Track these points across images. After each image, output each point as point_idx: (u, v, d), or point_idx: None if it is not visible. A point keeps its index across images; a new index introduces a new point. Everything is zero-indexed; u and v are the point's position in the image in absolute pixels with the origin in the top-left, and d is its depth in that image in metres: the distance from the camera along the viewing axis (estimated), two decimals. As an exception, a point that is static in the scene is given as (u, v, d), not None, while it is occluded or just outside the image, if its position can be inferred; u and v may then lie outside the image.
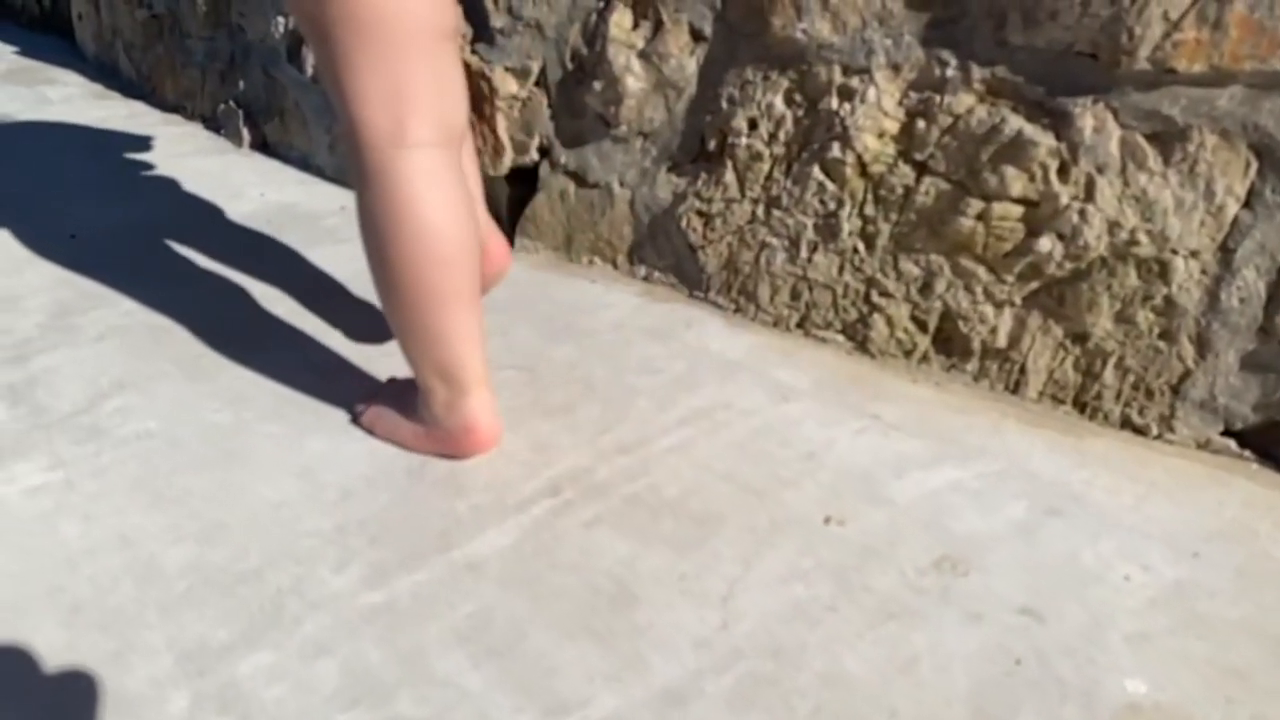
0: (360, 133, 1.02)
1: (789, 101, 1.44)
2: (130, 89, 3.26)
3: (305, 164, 2.37)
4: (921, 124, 1.31)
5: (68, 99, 3.11)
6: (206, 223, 1.99)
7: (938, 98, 1.29)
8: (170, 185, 2.22)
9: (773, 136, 1.46)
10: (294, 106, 2.39)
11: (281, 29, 2.33)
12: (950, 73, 1.28)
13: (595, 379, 1.37)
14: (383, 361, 1.41)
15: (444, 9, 1.05)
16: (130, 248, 1.85)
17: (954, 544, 1.03)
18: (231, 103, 2.59)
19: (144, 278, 1.70)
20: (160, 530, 1.07)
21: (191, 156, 2.49)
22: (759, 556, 1.01)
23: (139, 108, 3.04)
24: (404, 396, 1.21)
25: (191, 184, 2.24)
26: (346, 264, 1.76)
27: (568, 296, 1.64)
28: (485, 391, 1.14)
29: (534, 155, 1.80)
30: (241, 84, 2.57)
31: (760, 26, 1.44)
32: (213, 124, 2.72)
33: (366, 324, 1.54)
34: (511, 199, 1.90)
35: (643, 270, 1.70)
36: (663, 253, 1.66)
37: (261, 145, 2.55)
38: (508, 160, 1.82)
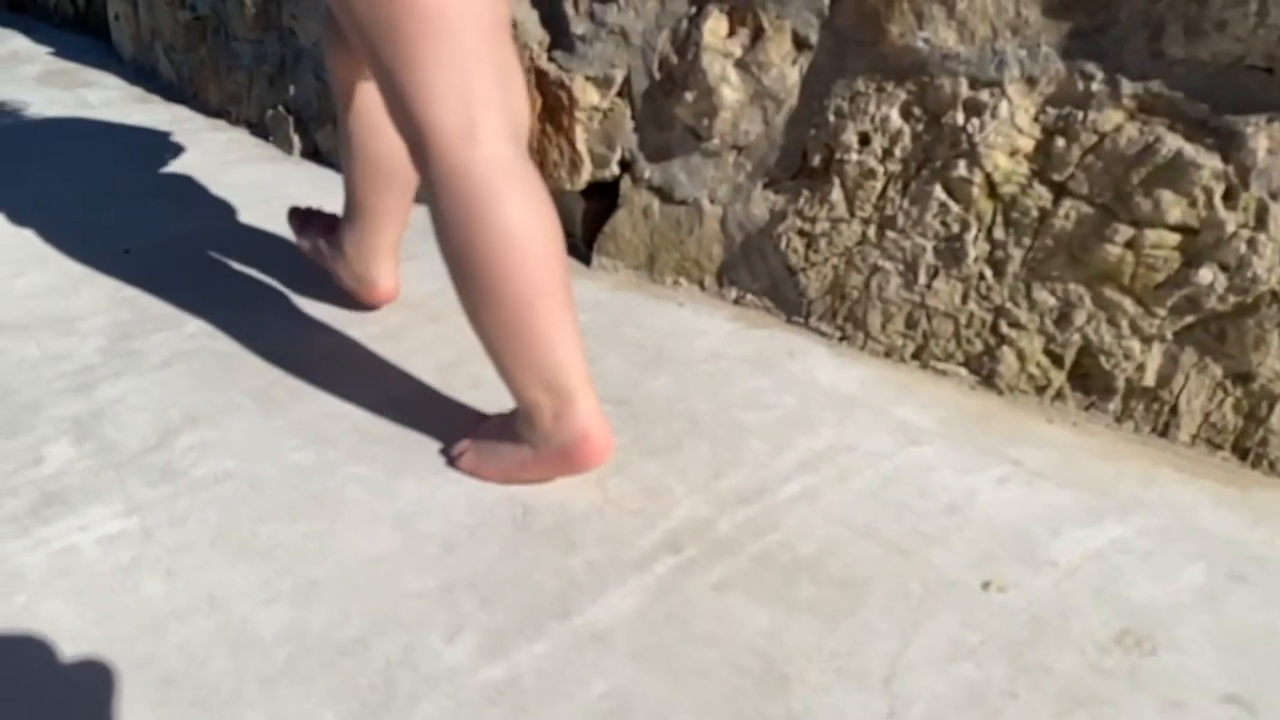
0: (429, 135, 0.99)
1: (907, 115, 1.35)
2: (171, 92, 3.19)
3: (360, 173, 2.28)
4: (1061, 142, 1.22)
5: (108, 102, 3.05)
6: (265, 237, 1.91)
7: (1080, 114, 1.20)
8: (223, 196, 2.15)
9: (887, 152, 1.37)
10: (349, 113, 2.30)
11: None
12: (1095, 87, 1.18)
13: (699, 415, 1.28)
14: (470, 393, 1.33)
15: (497, 3, 1.03)
16: (188, 264, 1.78)
17: (1133, 615, 0.93)
18: (281, 108, 2.52)
19: (205, 296, 1.63)
20: (250, 588, 0.98)
21: (241, 164, 2.42)
22: (917, 629, 0.92)
23: (182, 112, 2.97)
24: (503, 429, 1.14)
25: (244, 194, 2.16)
26: (418, 282, 1.68)
27: (656, 321, 1.55)
28: (592, 397, 1.06)
29: (614, 169, 1.71)
30: (292, 89, 2.49)
31: (874, 34, 1.34)
32: (260, 130, 2.65)
33: (447, 346, 1.45)
34: (588, 215, 1.81)
35: (734, 292, 1.60)
36: (757, 274, 1.57)
37: (313, 153, 2.47)
38: (586, 174, 1.73)
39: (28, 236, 1.90)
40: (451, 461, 1.19)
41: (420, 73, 0.98)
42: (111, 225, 1.97)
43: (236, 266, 1.77)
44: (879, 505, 1.11)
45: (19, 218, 1.99)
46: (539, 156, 1.78)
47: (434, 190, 1.01)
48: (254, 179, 2.29)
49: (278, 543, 1.05)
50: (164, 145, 2.55)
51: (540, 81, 1.73)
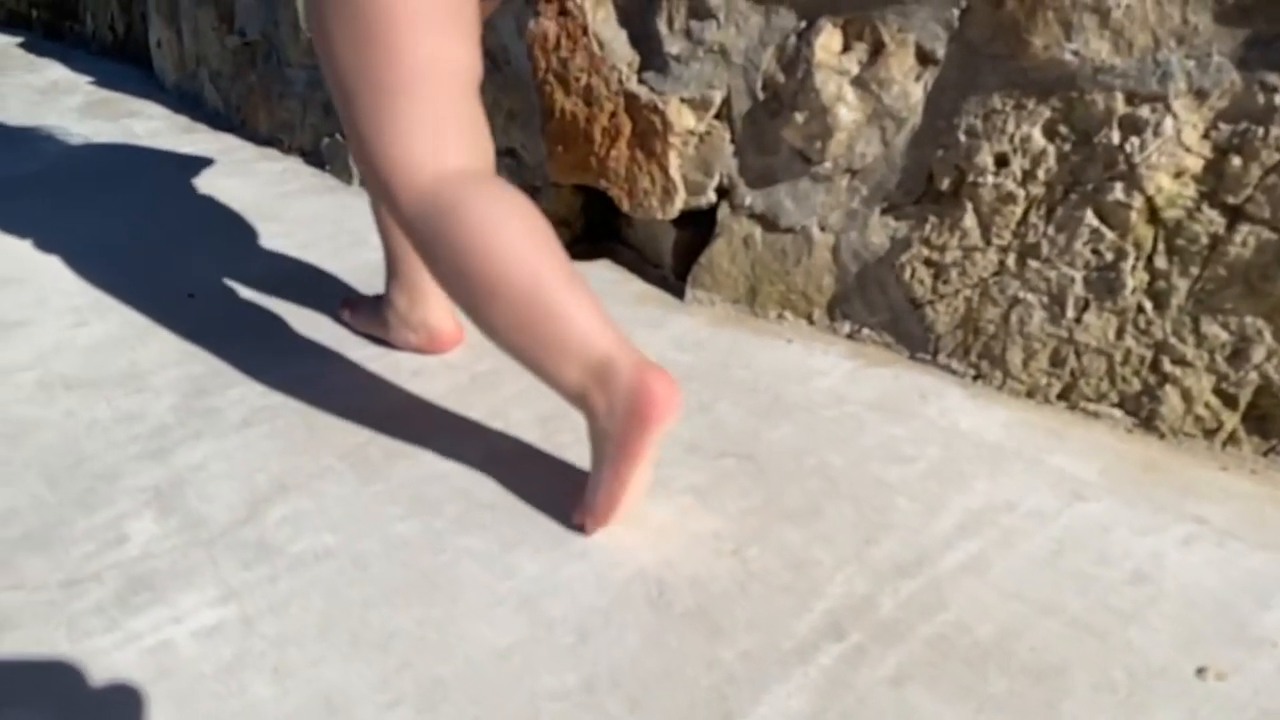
0: (397, 174, 1.00)
1: (1051, 134, 1.24)
2: (217, 120, 3.14)
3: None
4: (1236, 161, 1.11)
5: (154, 133, 3.00)
6: (334, 278, 1.83)
7: (1260, 130, 1.09)
8: (285, 231, 2.07)
9: (1029, 175, 1.26)
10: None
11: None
12: (1279, 100, 1.07)
13: (834, 470, 1.18)
14: (576, 449, 1.24)
15: (470, 60, 1.05)
16: (256, 309, 1.70)
17: (1387, 712, 0.82)
18: (339, 136, 2.45)
19: (279, 346, 1.55)
20: (369, 689, 0.89)
21: (299, 196, 2.35)
22: (1137, 731, 0.81)
23: (230, 141, 2.92)
24: (596, 467, 1.06)
25: (308, 229, 2.09)
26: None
27: (766, 360, 1.45)
28: (634, 352, 1.00)
29: (711, 196, 1.61)
30: (348, 116, 2.41)
31: (1014, 47, 1.24)
32: (314, 158, 2.58)
33: (544, 396, 1.36)
34: (679, 245, 1.72)
35: (847, 327, 1.50)
36: (875, 307, 1.46)
37: (371, 181, 2.39)
38: (679, 202, 1.64)
39: (86, 280, 1.83)
40: (580, 526, 1.10)
41: (393, 121, 0.99)
42: (172, 267, 1.89)
43: (308, 311, 1.69)
44: (1056, 575, 1.00)
45: (75, 260, 1.93)
46: (627, 185, 1.69)
47: (411, 227, 1.01)
48: (315, 211, 2.22)
49: (392, 632, 0.96)
50: (217, 177, 2.49)
51: (629, 106, 1.64)
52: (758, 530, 1.08)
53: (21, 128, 3.06)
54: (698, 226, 1.69)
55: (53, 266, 1.91)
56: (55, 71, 4.03)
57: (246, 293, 1.77)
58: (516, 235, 1.00)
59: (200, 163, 2.61)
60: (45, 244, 2.03)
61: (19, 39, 4.88)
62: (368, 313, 1.58)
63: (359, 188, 2.40)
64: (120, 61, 4.23)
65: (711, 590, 1.00)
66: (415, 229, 1.01)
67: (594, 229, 1.93)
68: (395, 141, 1.00)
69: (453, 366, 1.48)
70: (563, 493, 1.15)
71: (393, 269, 1.50)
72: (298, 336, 1.59)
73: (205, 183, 2.41)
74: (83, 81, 3.81)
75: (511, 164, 1.94)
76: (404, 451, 1.26)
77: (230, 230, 2.12)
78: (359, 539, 1.10)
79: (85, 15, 4.56)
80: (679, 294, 1.69)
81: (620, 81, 1.65)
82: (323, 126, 2.55)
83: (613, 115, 1.68)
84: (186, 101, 3.39)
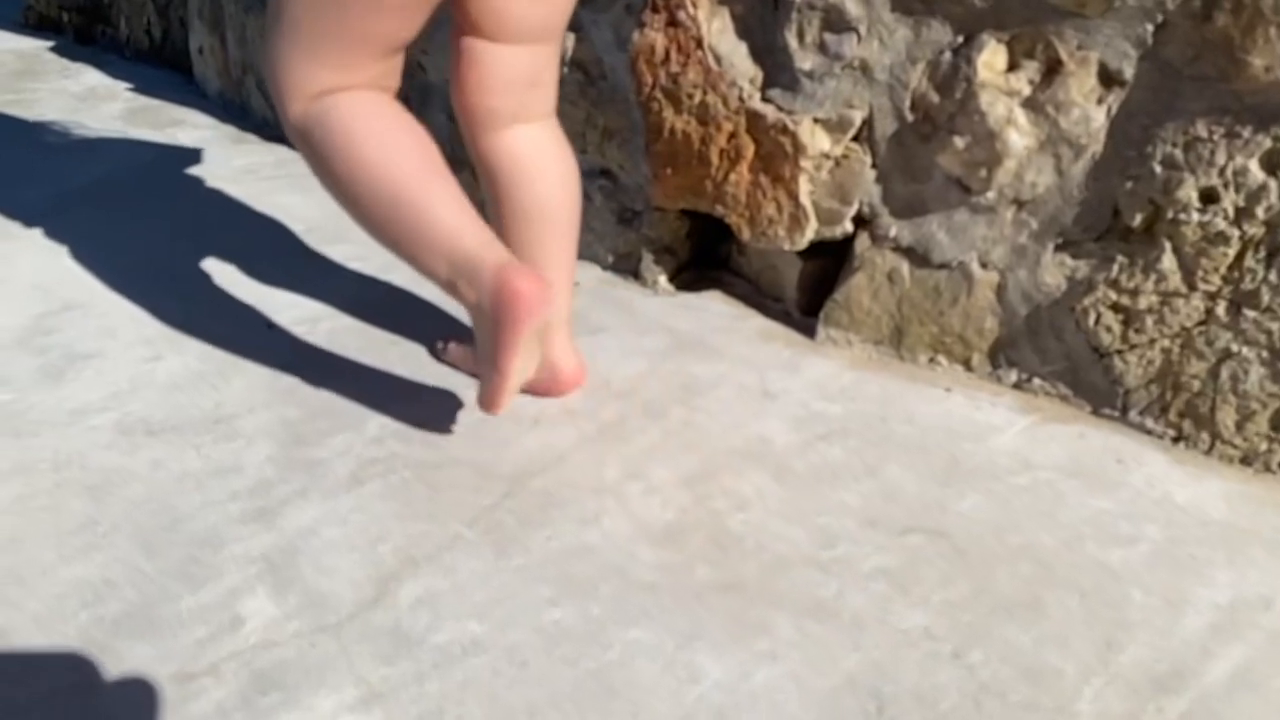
0: (285, 86, 1.06)
1: (1271, 168, 1.09)
2: (266, 131, 3.00)
3: (505, 224, 2.06)
4: None
5: (203, 143, 2.86)
6: (426, 305, 1.69)
7: None
8: (359, 254, 1.93)
9: (1243, 213, 1.12)
10: (492, 157, 2.08)
11: (479, 67, 2.03)
12: None
13: (1044, 552, 1.03)
14: (737, 517, 1.10)
15: (403, 29, 1.06)
16: (345, 341, 1.56)
17: None
18: (406, 151, 2.29)
19: (378, 385, 1.41)
20: (560, 830, 0.74)
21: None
22: None
23: (284, 152, 2.78)
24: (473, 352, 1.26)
25: (383, 252, 1.93)
26: (617, 362, 1.45)
27: (928, 413, 1.30)
28: (500, 251, 1.07)
29: (847, 226, 1.47)
30: (419, 129, 2.27)
31: (1225, 67, 1.10)
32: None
33: (686, 451, 1.22)
34: (806, 277, 1.57)
35: (1013, 375, 1.35)
36: (1048, 355, 1.32)
37: (443, 199, 2.25)
38: (810, 232, 1.49)
39: (154, 307, 1.69)
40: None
41: (295, 36, 1.03)
42: (245, 293, 1.75)
43: (403, 343, 1.55)
44: (1347, 692, 0.85)
45: (140, 283, 1.79)
46: (748, 211, 1.54)
47: (296, 138, 1.09)
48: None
49: (573, 752, 0.81)
50: (277, 193, 2.34)
51: (752, 126, 1.50)
52: (975, 628, 0.93)
53: (64, 137, 2.93)
54: (826, 257, 1.55)
55: (117, 290, 1.77)
56: (91, 77, 3.90)
57: (330, 323, 1.63)
58: (380, 137, 1.05)
59: (256, 177, 2.47)
60: (106, 264, 1.89)
61: (50, 43, 4.76)
62: (463, 347, 1.44)
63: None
64: (157, 68, 4.10)
65: (939, 708, 0.85)
66: (298, 142, 1.09)
67: (700, 257, 1.79)
68: (292, 60, 1.05)
69: (575, 413, 1.33)
70: (728, 571, 1.00)
71: None
72: (396, 375, 1.45)
73: (265, 199, 2.27)
74: (121, 88, 3.68)
75: (607, 185, 1.80)
76: (540, 517, 1.12)
77: (300, 252, 1.98)
78: (509, 628, 0.96)
79: (119, 20, 4.43)
80: (806, 331, 1.55)
81: (741, 99, 1.51)
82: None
83: (732, 136, 1.53)
84: (232, 110, 3.25)
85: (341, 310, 1.68)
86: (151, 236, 2.03)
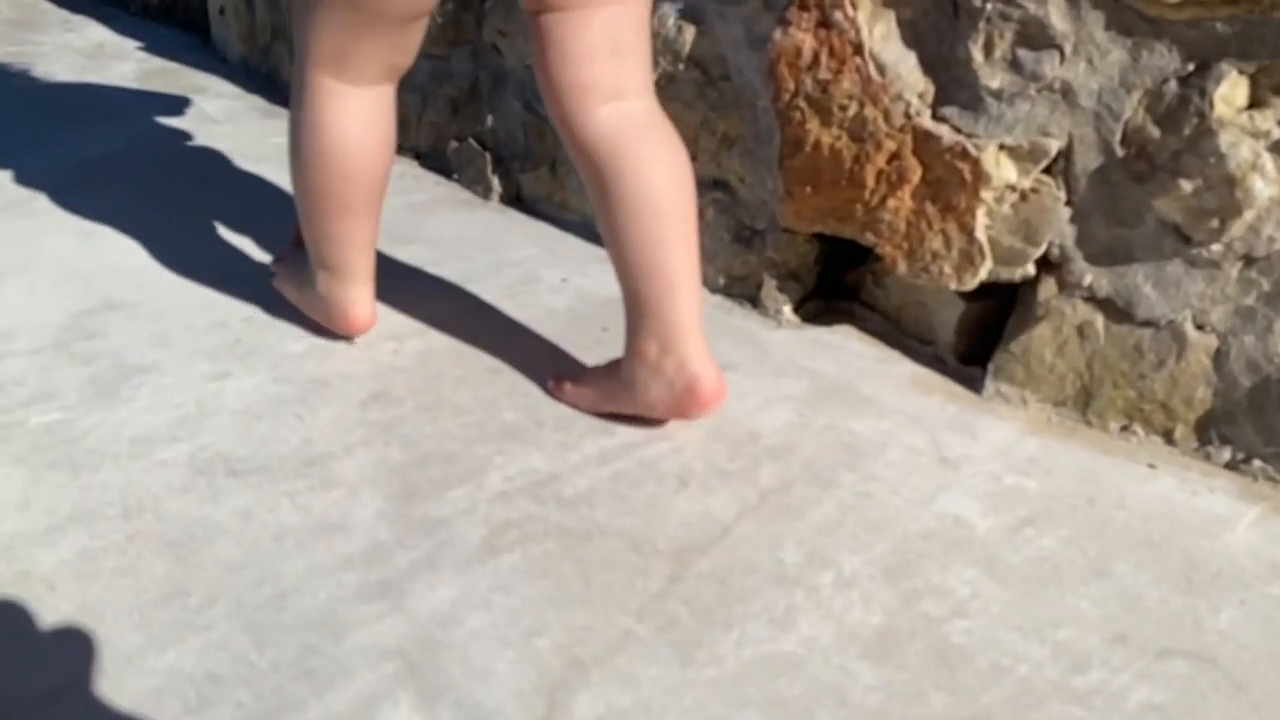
0: (307, 51, 1.20)
1: None
2: (299, 105, 2.78)
3: (591, 233, 1.89)
4: None
5: (231, 116, 2.65)
6: (521, 328, 1.52)
7: None
8: (434, 258, 1.75)
9: None
10: (577, 155, 1.90)
11: (570, 55, 1.84)
12: None
13: (1332, 687, 0.87)
14: (955, 623, 0.93)
15: (423, 2, 1.17)
16: (441, 365, 1.39)
17: None
18: (472, 142, 2.12)
19: (489, 424, 1.25)
20: None
21: (431, 211, 2.02)
22: None
23: (323, 132, 2.56)
24: (304, 266, 1.42)
25: (459, 256, 1.77)
26: (760, 407, 1.28)
27: (1140, 495, 1.15)
28: (363, 287, 1.37)
29: (1029, 269, 1.31)
30: (489, 119, 2.09)
31: None
32: (433, 162, 2.25)
33: (873, 529, 1.05)
34: (968, 321, 1.41)
35: (1226, 453, 1.20)
36: (1276, 435, 1.16)
37: (515, 199, 2.07)
38: (983, 271, 1.33)
39: (211, 309, 1.51)
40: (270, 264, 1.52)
41: (323, 22, 1.17)
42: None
43: (509, 373, 1.38)
44: None
45: (188, 282, 1.61)
46: (907, 243, 1.38)
47: (293, 89, 1.26)
48: (459, 232, 1.89)
49: None
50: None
51: (920, 146, 1.33)
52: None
53: (76, 99, 2.70)
54: (991, 299, 1.39)
55: (165, 286, 1.58)
56: (96, 32, 3.66)
57: (418, 341, 1.45)
58: (343, 176, 1.26)
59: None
60: (146, 254, 1.70)
61: (45, -9, 4.50)
62: (596, 387, 1.26)
63: (499, 204, 2.07)
64: (168, 26, 3.87)
65: None
66: (298, 102, 1.25)
67: (826, 285, 1.62)
68: (315, 43, 1.19)
69: (728, 473, 1.16)
70: (967, 701, 0.84)
71: (637, 310, 1.20)
72: (507, 412, 1.28)
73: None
74: (130, 46, 3.45)
75: (723, 199, 1.63)
76: (720, 612, 0.95)
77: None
78: (723, 767, 0.78)
79: (125, -30, 4.18)
80: (964, 381, 1.39)
81: (907, 116, 1.34)
82: (447, 128, 2.22)
83: (894, 157, 1.37)
84: (256, 79, 3.04)
85: (429, 325, 1.50)
86: (191, 222, 1.83)
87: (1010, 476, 1.18)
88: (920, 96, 1.35)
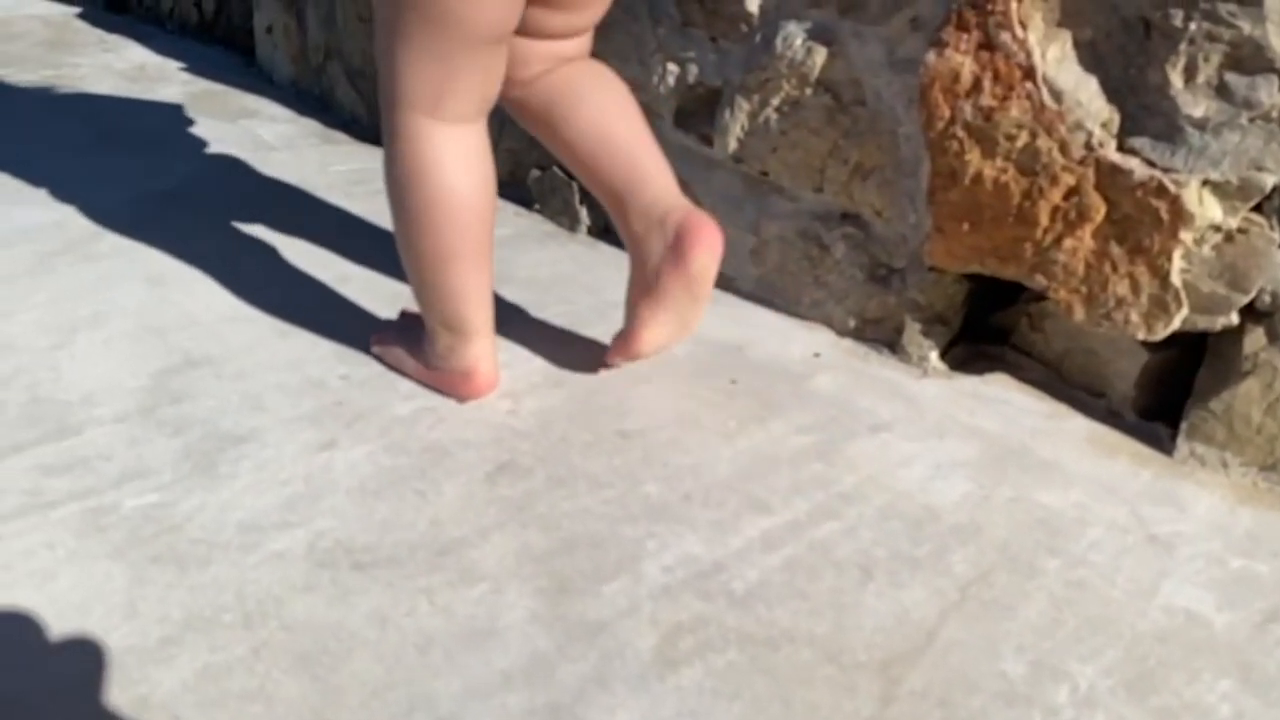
0: (397, 96, 1.16)
1: None
2: (356, 129, 2.70)
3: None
4: None
5: (288, 142, 2.55)
6: (644, 380, 1.41)
7: None
8: (534, 299, 1.65)
9: None
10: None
11: (672, 80, 1.73)
12: None
13: None
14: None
15: (509, 18, 1.13)
16: (565, 428, 1.29)
17: None
18: (556, 170, 2.00)
19: (633, 500, 1.14)
20: None
21: (518, 245, 1.91)
22: None
23: (386, 158, 2.45)
24: (414, 330, 1.35)
25: (559, 298, 1.66)
26: (931, 476, 1.16)
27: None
28: (486, 341, 1.28)
29: (1231, 318, 1.18)
30: (576, 144, 1.97)
31: None
32: (510, 192, 2.13)
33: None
34: (1151, 373, 1.28)
35: None
36: None
37: (603, 231, 1.95)
38: (1177, 320, 1.21)
39: (305, 369, 1.41)
40: (370, 345, 1.41)
41: (413, 53, 1.12)
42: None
43: (641, 439, 1.27)
44: None
45: (273, 334, 1.51)
46: (1085, 287, 1.25)
47: (389, 145, 1.19)
48: (553, 271, 1.78)
49: None
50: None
51: (1104, 181, 1.21)
52: None
53: (126, 124, 2.61)
54: (1176, 348, 1.26)
55: (248, 339, 1.47)
56: (135, 53, 3.58)
57: (535, 400, 1.34)
58: (459, 222, 1.19)
59: (369, 189, 2.16)
60: (223, 301, 1.59)
61: (76, 10, 4.43)
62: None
63: (586, 236, 1.96)
64: (207, 45, 3.78)
65: None
66: (393, 149, 1.19)
67: (971, 327, 1.49)
68: (408, 77, 1.14)
69: (917, 563, 1.04)
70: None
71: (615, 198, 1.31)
72: (647, 484, 1.17)
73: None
74: (172, 67, 3.36)
75: (854, 234, 1.50)
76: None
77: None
78: None
79: (161, -13, 4.10)
80: (1146, 439, 1.27)
81: (1089, 147, 1.22)
82: (526, 156, 2.10)
83: (1073, 192, 1.24)
84: (308, 102, 2.94)
85: (543, 379, 1.39)
86: (265, 263, 1.72)
87: (1235, 559, 1.05)
88: (1104, 126, 1.23)
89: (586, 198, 1.98)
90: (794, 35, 1.52)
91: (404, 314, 1.48)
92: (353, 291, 1.64)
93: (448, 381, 1.32)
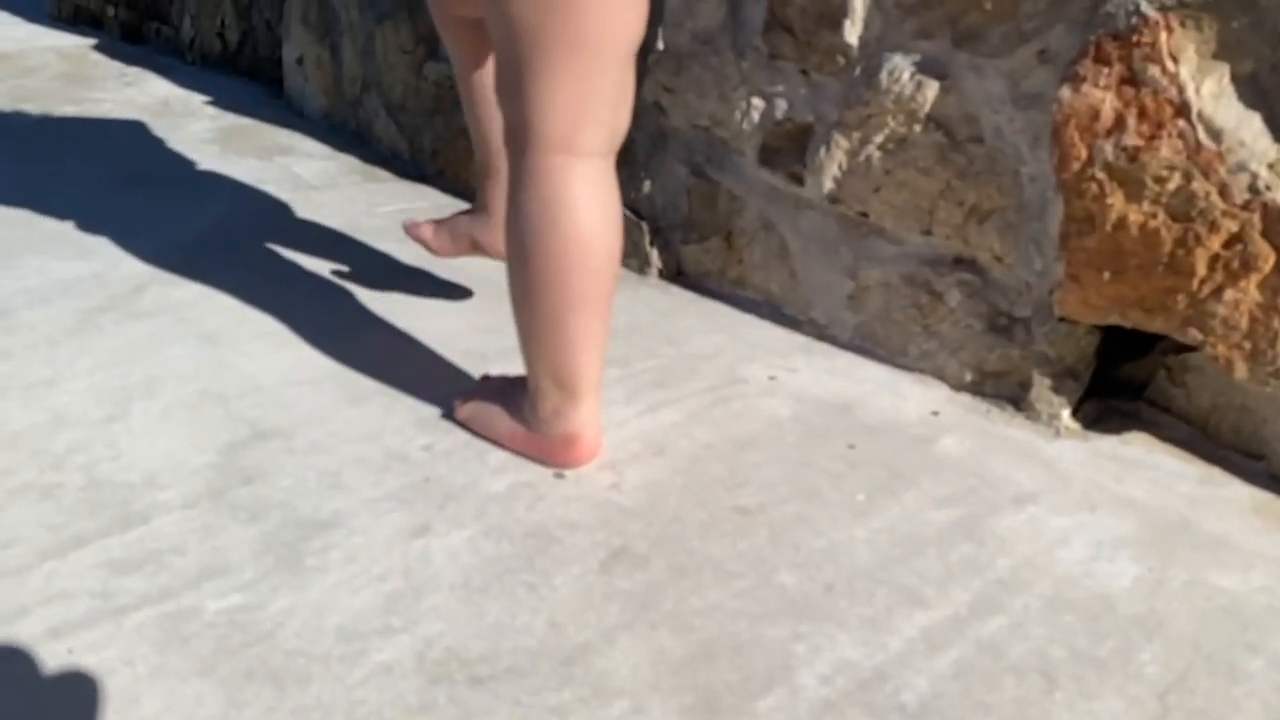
0: (532, 133, 1.11)
1: None
2: (396, 164, 2.61)
3: (778, 315, 1.67)
4: None
5: (329, 180, 2.46)
6: (752, 447, 1.32)
7: None
8: (615, 354, 1.50)
9: None
10: (761, 230, 1.70)
11: (757, 115, 1.64)
12: None
13: None
14: None
15: (640, 29, 1.13)
16: (677, 505, 1.20)
17: None
18: (627, 211, 1.90)
19: (765, 592, 1.05)
20: None
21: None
22: None
23: (436, 196, 2.39)
24: (509, 393, 1.28)
25: (645, 352, 1.57)
26: (1091, 556, 1.06)
27: None
28: (596, 403, 1.21)
29: None
30: (646, 185, 1.88)
31: None
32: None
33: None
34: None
35: None
36: None
37: (676, 274, 1.86)
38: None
39: (382, 440, 1.32)
40: (452, 412, 1.31)
41: (549, 79, 1.09)
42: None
43: (761, 512, 1.18)
44: None
45: (344, 401, 1.42)
46: (1249, 343, 1.15)
47: (519, 183, 1.14)
48: (631, 319, 1.69)
49: None
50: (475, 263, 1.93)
51: (1271, 228, 1.11)
52: None
53: (155, 164, 2.53)
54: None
55: (316, 406, 1.37)
56: (157, 86, 3.50)
57: (639, 470, 1.25)
58: (591, 267, 1.14)
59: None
60: (284, 363, 1.50)
61: (91, 41, 4.36)
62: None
63: (657, 280, 1.86)
64: (230, 77, 3.70)
65: None
66: (526, 185, 1.13)
67: (1099, 381, 1.39)
68: (545, 105, 1.10)
69: (1103, 665, 0.94)
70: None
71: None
72: (780, 573, 1.08)
73: (449, 265, 1.86)
74: (198, 101, 3.28)
75: (971, 280, 1.41)
76: None
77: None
78: None
79: (180, 18, 4.04)
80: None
81: (1254, 190, 1.12)
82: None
83: (1234, 240, 1.14)
84: (343, 136, 2.86)
85: (643, 445, 1.29)
86: (324, 319, 1.63)
87: None
88: (1270, 167, 1.13)
89: (658, 238, 1.89)
90: (901, 68, 1.43)
91: (488, 378, 1.39)
92: (420, 349, 1.55)
93: (548, 448, 1.23)
